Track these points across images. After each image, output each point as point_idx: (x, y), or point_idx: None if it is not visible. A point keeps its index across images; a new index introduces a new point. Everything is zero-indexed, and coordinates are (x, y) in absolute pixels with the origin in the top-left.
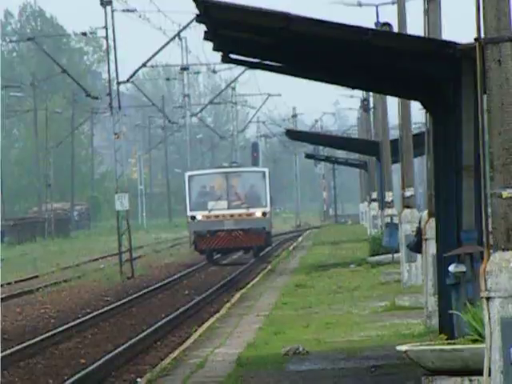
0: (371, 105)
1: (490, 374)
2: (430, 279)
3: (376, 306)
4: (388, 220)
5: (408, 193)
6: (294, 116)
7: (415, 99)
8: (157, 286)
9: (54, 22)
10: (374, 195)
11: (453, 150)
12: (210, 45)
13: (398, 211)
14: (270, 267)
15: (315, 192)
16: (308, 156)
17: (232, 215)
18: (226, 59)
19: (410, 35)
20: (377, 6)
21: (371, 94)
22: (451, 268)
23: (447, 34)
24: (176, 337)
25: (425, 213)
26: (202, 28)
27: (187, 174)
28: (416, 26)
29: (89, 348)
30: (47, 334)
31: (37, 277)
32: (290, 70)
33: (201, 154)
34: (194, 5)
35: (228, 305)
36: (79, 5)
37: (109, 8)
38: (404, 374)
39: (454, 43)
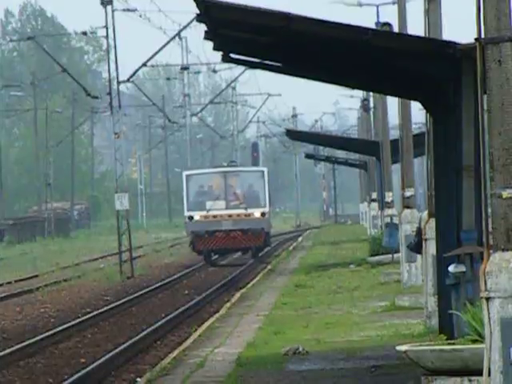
0: (371, 105)
1: (489, 374)
2: (429, 279)
3: (376, 306)
4: (388, 220)
5: (408, 193)
6: (294, 116)
7: (415, 99)
8: (157, 285)
9: (55, 22)
10: (374, 195)
11: (453, 150)
12: (210, 44)
13: (397, 211)
14: (269, 267)
15: (315, 192)
16: (308, 156)
17: (230, 215)
18: (226, 59)
19: (410, 35)
20: (377, 6)
21: (371, 93)
22: (451, 268)
23: (447, 34)
24: (176, 336)
25: (425, 213)
26: (203, 28)
27: (185, 173)
28: (416, 26)
29: (89, 347)
30: (47, 334)
31: (37, 276)
32: (290, 69)
33: (201, 154)
34: (194, 4)
35: (228, 304)
36: (79, 4)
37: (109, 7)
38: (404, 374)
39: (455, 43)
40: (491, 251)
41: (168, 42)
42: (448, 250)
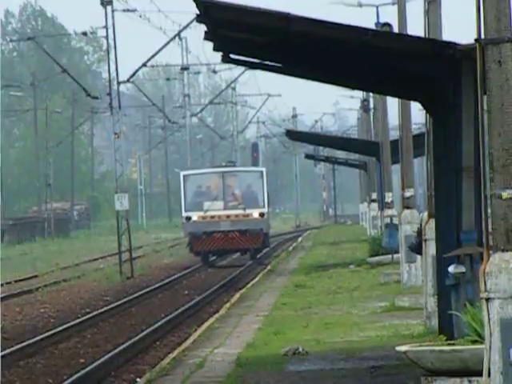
0: (371, 105)
1: (489, 375)
2: (429, 280)
3: (375, 306)
4: (388, 220)
5: (408, 193)
6: (294, 116)
7: (415, 100)
8: (156, 286)
9: (55, 22)
10: (374, 196)
11: (453, 151)
12: (210, 45)
13: (397, 212)
14: (269, 267)
15: (315, 192)
16: (308, 156)
17: (228, 216)
18: (226, 59)
19: (410, 36)
20: (377, 7)
21: (371, 94)
22: (451, 269)
23: (447, 35)
24: (175, 337)
25: (425, 213)
26: (203, 28)
27: (182, 173)
28: (416, 27)
29: (88, 348)
30: (47, 334)
31: (36, 276)
32: (289, 70)
33: (201, 154)
34: (194, 5)
35: (227, 305)
36: (80, 4)
37: (109, 8)
38: (403, 375)
39: (454, 44)
40: (491, 252)
41: (168, 43)
42: (448, 251)
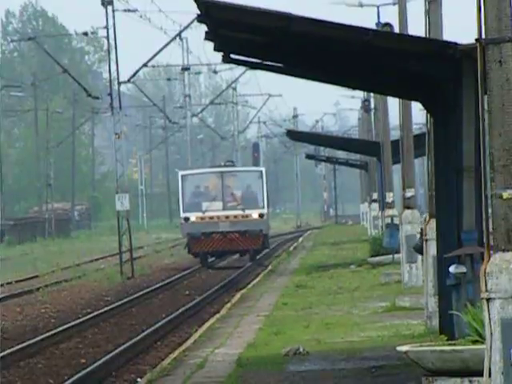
0: (372, 105)
1: (490, 375)
2: (430, 280)
3: (376, 306)
4: (388, 221)
5: (409, 193)
6: (295, 116)
7: (416, 100)
8: (157, 286)
9: (56, 22)
10: (375, 196)
11: (453, 151)
12: (210, 45)
13: (398, 212)
14: (270, 268)
15: (316, 192)
16: (309, 156)
17: (227, 217)
18: (226, 59)
19: (410, 36)
20: (378, 7)
21: (372, 94)
22: (452, 269)
23: (448, 35)
24: (176, 337)
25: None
26: (203, 28)
27: (180, 173)
28: (417, 27)
29: (89, 348)
30: (47, 334)
31: (37, 276)
32: (290, 70)
33: (201, 155)
34: (195, 5)
35: (228, 305)
36: (80, 5)
37: (110, 8)
38: (404, 375)
39: (455, 44)
40: (492, 252)
41: (169, 43)
42: (448, 251)
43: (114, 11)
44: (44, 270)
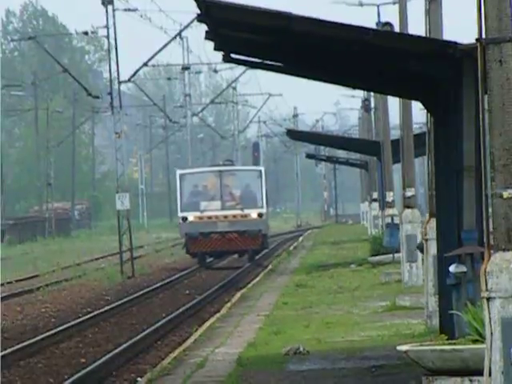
0: (372, 105)
1: (490, 375)
2: (430, 279)
3: (376, 305)
4: (389, 220)
5: (409, 193)
6: (295, 116)
7: (416, 99)
8: (157, 285)
9: (56, 21)
10: (375, 195)
11: (454, 150)
12: (211, 44)
13: (398, 211)
14: (270, 267)
15: (316, 192)
16: (309, 156)
17: (226, 216)
18: (227, 59)
19: (411, 35)
20: (378, 6)
21: (372, 94)
22: (452, 268)
23: (448, 34)
24: (176, 336)
25: None
26: (203, 27)
27: (178, 172)
28: (417, 26)
29: (89, 347)
30: (47, 334)
31: (37, 276)
32: (290, 69)
33: (202, 154)
34: (195, 4)
35: (228, 304)
36: (81, 4)
37: (110, 7)
38: (404, 374)
39: (455, 43)
40: (492, 251)
41: (169, 42)
42: (449, 250)
43: (114, 10)
44: (44, 270)
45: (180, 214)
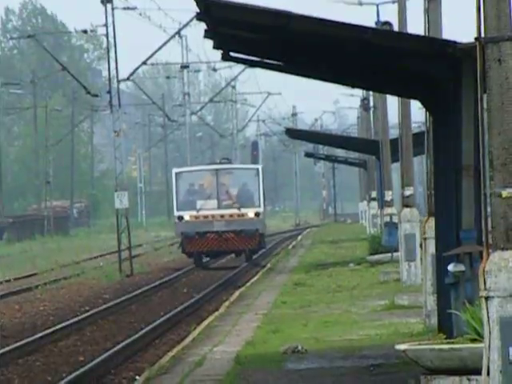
0: (371, 104)
1: (488, 374)
2: (429, 278)
3: (375, 304)
4: (387, 219)
5: (407, 192)
6: (294, 115)
7: (415, 98)
8: (156, 284)
9: (55, 20)
10: (374, 194)
11: (452, 150)
12: (210, 43)
13: (397, 210)
14: (269, 266)
15: (315, 191)
16: (308, 155)
17: (222, 216)
18: (226, 57)
19: (410, 34)
20: (377, 5)
21: (371, 93)
22: (450, 267)
23: (448, 34)
24: (175, 335)
25: None
26: (203, 26)
27: (174, 170)
28: (416, 25)
29: (87, 345)
30: (46, 332)
31: (36, 274)
32: (289, 68)
33: (201, 153)
34: (194, 3)
35: (227, 303)
36: (80, 2)
37: (109, 6)
38: (403, 373)
39: (455, 42)
40: (490, 250)
41: (168, 41)
42: (447, 249)
43: (113, 9)
44: (43, 268)
45: (176, 213)
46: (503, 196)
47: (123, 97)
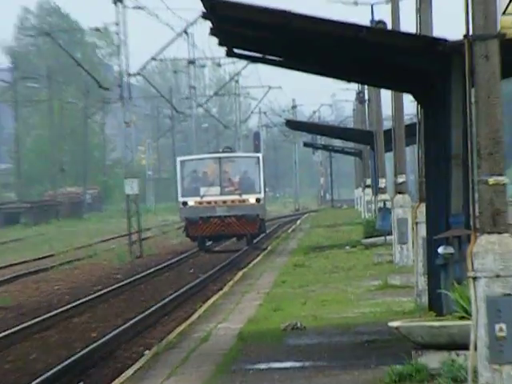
0: (366, 97)
1: (476, 349)
2: (420, 260)
3: (369, 284)
4: (381, 205)
5: (400, 179)
6: (294, 107)
7: (407, 92)
8: (164, 265)
9: (69, 18)
10: (368, 181)
11: (442, 140)
12: (215, 40)
13: (390, 196)
14: (270, 248)
15: (313, 178)
16: (306, 144)
17: (225, 201)
18: (230, 54)
19: (402, 32)
20: (372, 5)
21: (366, 87)
22: (440, 250)
23: (438, 32)
24: (182, 312)
25: None
26: (208, 24)
27: (179, 159)
28: (409, 24)
29: (100, 322)
30: (61, 309)
31: (52, 255)
32: (290, 63)
33: (206, 142)
34: (200, 3)
35: (231, 283)
36: (93, 2)
37: (120, 5)
38: (395, 348)
39: (444, 40)
40: (478, 234)
41: (175, 38)
42: (437, 233)
43: (124, 8)
44: (58, 250)
45: (180, 199)
46: (490, 183)
47: (133, 90)
